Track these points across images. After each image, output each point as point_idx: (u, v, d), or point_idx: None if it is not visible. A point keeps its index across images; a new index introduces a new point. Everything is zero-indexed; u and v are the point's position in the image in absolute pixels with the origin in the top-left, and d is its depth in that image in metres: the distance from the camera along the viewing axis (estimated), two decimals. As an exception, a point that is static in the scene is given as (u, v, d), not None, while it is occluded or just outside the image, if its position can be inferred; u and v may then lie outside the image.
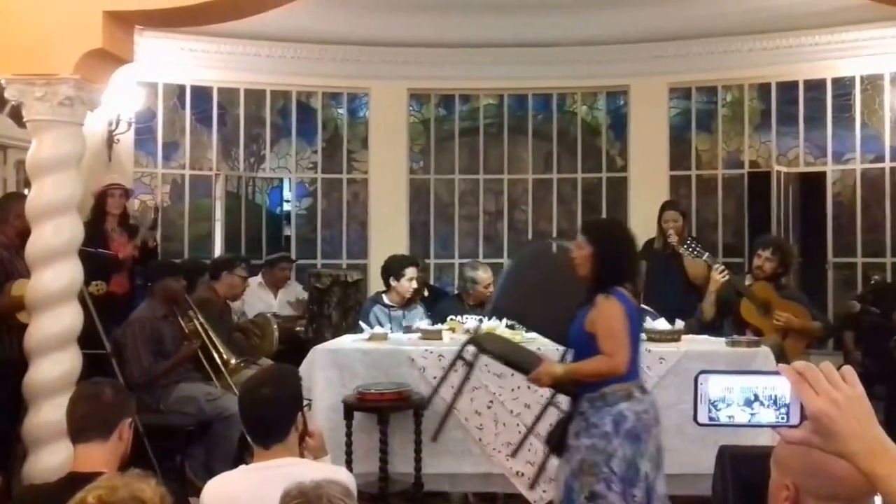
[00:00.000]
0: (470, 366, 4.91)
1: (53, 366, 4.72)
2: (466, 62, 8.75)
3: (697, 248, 6.90)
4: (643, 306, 6.97)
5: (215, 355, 6.20)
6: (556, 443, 4.47)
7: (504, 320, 6.28)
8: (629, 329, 4.25)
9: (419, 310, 6.88)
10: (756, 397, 1.66)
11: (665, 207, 7.51)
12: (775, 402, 1.64)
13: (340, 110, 9.27)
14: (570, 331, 4.45)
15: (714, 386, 1.69)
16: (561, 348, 4.83)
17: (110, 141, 7.85)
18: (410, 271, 6.72)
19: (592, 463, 4.24)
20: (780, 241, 7.22)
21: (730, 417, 1.67)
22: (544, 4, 7.70)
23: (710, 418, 1.68)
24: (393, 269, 6.72)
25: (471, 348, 4.92)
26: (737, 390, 1.68)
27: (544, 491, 5.61)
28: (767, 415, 1.64)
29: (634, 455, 4.28)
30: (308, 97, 9.17)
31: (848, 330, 7.20)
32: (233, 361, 6.24)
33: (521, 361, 4.73)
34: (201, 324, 6.24)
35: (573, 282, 4.47)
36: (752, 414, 1.66)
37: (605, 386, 4.26)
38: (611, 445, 4.24)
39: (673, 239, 7.19)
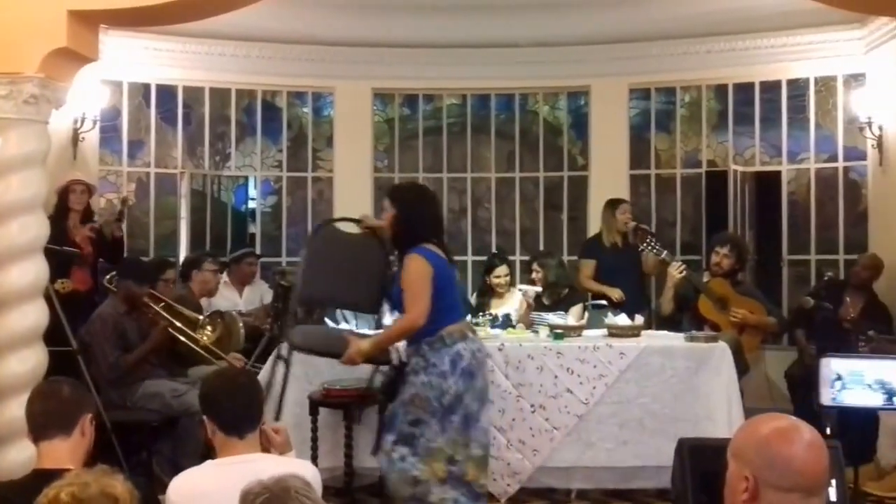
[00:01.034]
0: (286, 363, 5.05)
1: (20, 363, 4.69)
2: (430, 62, 8.75)
3: (657, 246, 6.95)
4: (601, 302, 7.05)
5: (181, 324, 6.19)
6: (390, 393, 4.74)
7: (468, 316, 6.30)
8: (437, 279, 4.51)
9: (385, 307, 6.86)
10: (881, 382, 1.68)
11: (616, 203, 7.54)
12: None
13: (305, 109, 9.24)
14: (393, 295, 4.73)
15: (835, 369, 1.71)
16: None
17: (75, 139, 7.75)
18: None
19: (425, 398, 4.51)
20: (736, 239, 7.30)
21: (850, 399, 1.68)
22: (507, 6, 7.71)
23: (833, 399, 1.70)
24: None
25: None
26: (860, 374, 1.69)
27: (508, 485, 5.64)
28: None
29: (465, 391, 4.54)
30: (273, 96, 9.13)
31: (798, 326, 7.26)
32: (200, 318, 6.26)
33: (330, 349, 4.91)
34: (162, 305, 6.22)
35: (366, 254, 4.90)
36: (875, 397, 1.68)
37: (442, 329, 4.52)
38: (446, 383, 4.50)
39: (631, 226, 7.31)
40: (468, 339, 4.61)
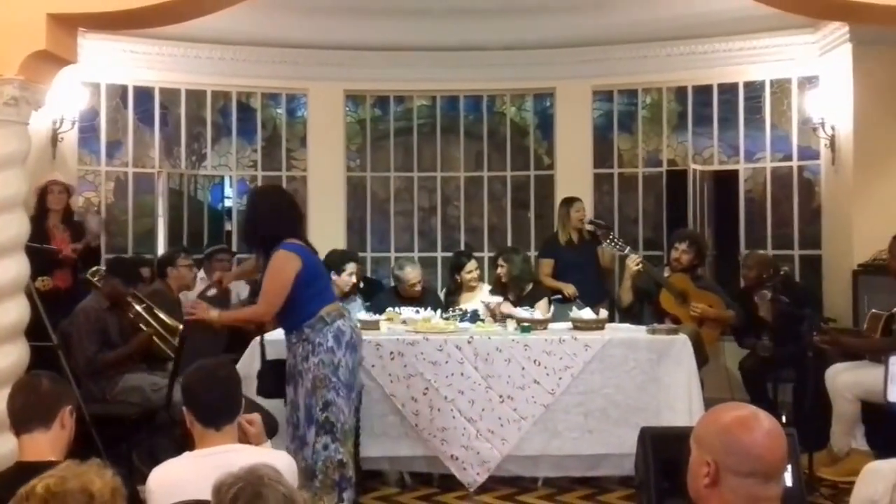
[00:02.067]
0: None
1: (2, 358, 4.64)
2: (401, 65, 8.75)
3: (619, 242, 7.00)
4: (559, 296, 7.11)
5: (160, 327, 6.13)
6: (271, 390, 4.89)
7: (439, 311, 6.32)
8: (308, 269, 4.68)
9: (357, 302, 6.87)
10: None
11: (570, 202, 7.59)
12: None
13: (279, 110, 9.21)
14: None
15: None
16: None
17: (55, 139, 7.69)
18: (351, 267, 6.72)
19: (323, 377, 4.67)
20: (695, 235, 7.36)
21: None
22: (475, 10, 7.72)
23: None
24: (334, 264, 6.70)
25: None
26: None
27: (478, 473, 5.65)
28: None
29: (355, 364, 4.79)
30: (248, 97, 9.08)
31: (751, 330, 7.28)
32: (181, 328, 6.19)
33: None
34: (144, 307, 6.16)
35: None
36: None
37: (321, 310, 4.69)
38: (336, 357, 4.67)
39: (590, 227, 7.36)
40: (345, 317, 4.80)
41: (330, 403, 4.67)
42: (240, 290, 7.69)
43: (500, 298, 6.70)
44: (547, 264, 7.63)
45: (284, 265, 4.65)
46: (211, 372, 3.22)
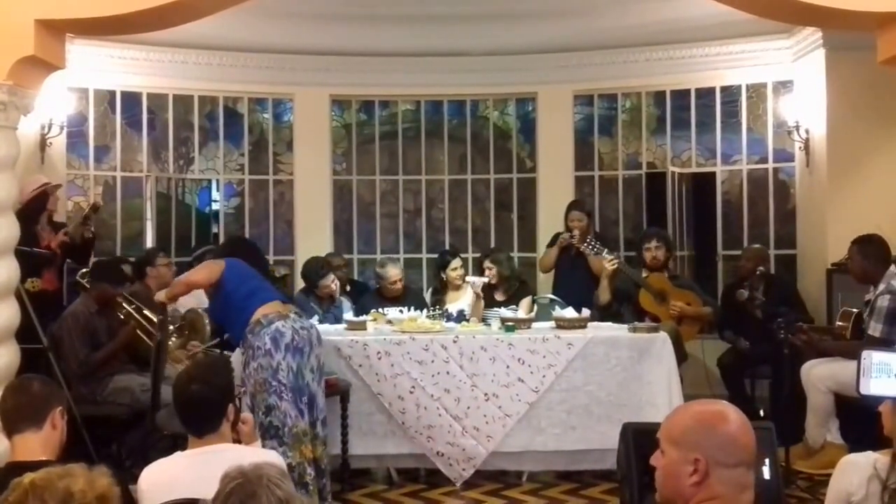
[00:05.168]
0: None
1: (-7, 360, 4.61)
2: (386, 70, 8.73)
3: (597, 246, 6.98)
4: (551, 297, 7.10)
5: (151, 328, 6.07)
6: None
7: (424, 311, 6.31)
8: (231, 268, 4.82)
9: (347, 304, 6.85)
10: None
11: (571, 207, 7.57)
12: None
13: (266, 115, 9.17)
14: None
15: (876, 361, 1.75)
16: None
17: (43, 144, 7.65)
18: (329, 276, 6.69)
19: (262, 381, 4.58)
20: (661, 232, 7.35)
21: (887, 389, 1.72)
22: (459, 17, 7.71)
23: (872, 389, 1.75)
24: (311, 276, 6.71)
25: None
26: (886, 364, 1.73)
27: (464, 469, 5.65)
28: None
29: (300, 366, 4.63)
30: (235, 102, 9.05)
31: (729, 324, 7.30)
32: (171, 328, 6.15)
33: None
34: (134, 307, 6.12)
35: None
36: None
37: (256, 312, 4.66)
38: (274, 360, 4.57)
39: (576, 239, 7.24)
40: (288, 319, 4.68)
41: (272, 407, 4.56)
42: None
43: (485, 279, 6.70)
44: (549, 253, 7.66)
45: (206, 266, 4.90)
46: (183, 386, 3.18)
